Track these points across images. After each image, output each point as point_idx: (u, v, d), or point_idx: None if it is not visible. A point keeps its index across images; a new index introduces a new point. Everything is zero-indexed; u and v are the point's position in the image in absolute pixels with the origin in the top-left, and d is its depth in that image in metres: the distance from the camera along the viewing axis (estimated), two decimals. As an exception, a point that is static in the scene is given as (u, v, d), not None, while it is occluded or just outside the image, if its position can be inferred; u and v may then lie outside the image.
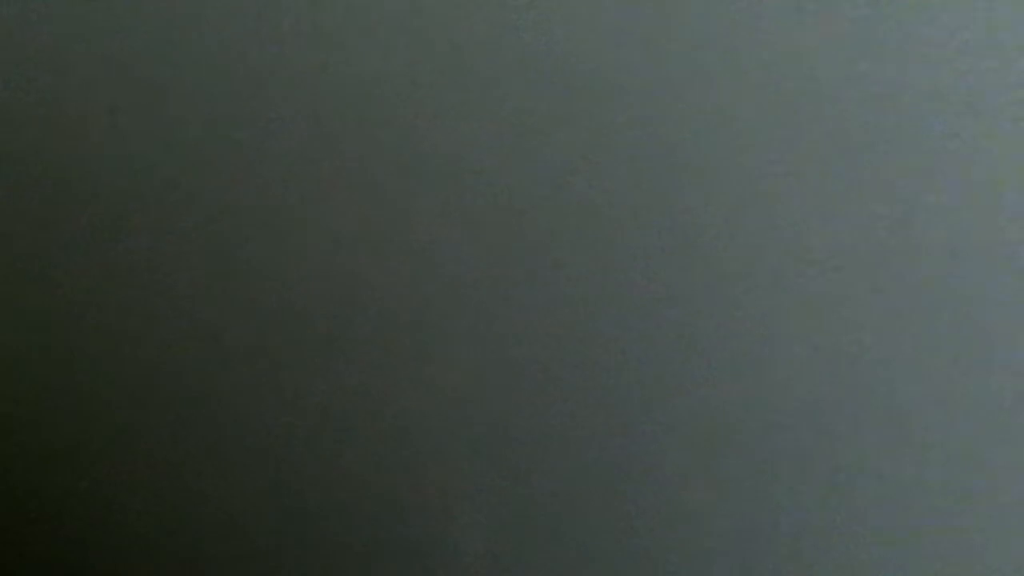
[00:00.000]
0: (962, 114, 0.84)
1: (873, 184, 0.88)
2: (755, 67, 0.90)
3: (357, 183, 1.10)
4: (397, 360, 1.14)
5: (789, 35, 0.88)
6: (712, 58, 0.91)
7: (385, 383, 1.15)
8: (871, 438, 0.94)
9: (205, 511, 1.32)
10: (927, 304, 0.89)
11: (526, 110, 1.00)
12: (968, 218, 0.86)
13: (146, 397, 1.30)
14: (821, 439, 0.96)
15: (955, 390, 0.89)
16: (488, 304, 1.08)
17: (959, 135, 0.84)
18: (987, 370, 0.88)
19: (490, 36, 1.00)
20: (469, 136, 1.03)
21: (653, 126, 0.95)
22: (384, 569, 1.22)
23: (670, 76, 0.93)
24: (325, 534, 1.25)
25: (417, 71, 1.04)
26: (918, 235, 0.88)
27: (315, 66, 1.08)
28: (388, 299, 1.13)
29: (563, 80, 0.98)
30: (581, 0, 0.95)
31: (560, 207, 1.01)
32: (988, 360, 0.88)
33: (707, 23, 0.91)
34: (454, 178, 1.05)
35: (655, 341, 1.01)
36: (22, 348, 1.38)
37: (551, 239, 1.03)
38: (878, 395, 0.93)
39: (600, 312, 1.02)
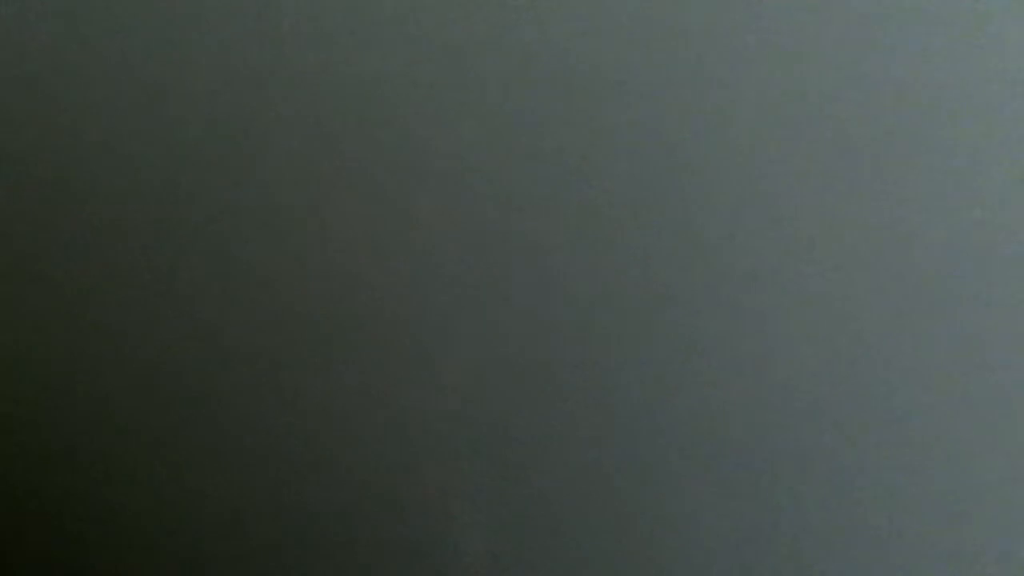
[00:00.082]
0: (962, 114, 0.84)
1: (873, 184, 0.88)
2: (755, 67, 0.90)
3: (357, 183, 1.10)
4: (397, 360, 1.14)
5: (789, 35, 0.88)
6: (712, 58, 0.91)
7: (385, 383, 1.15)
8: (871, 438, 0.94)
9: (205, 511, 1.32)
10: (927, 304, 0.89)
11: (526, 110, 1.00)
12: (969, 218, 0.86)
13: (146, 397, 1.30)
14: (821, 439, 0.96)
15: (955, 390, 0.89)
16: (488, 304, 1.08)
17: (960, 135, 0.84)
18: (987, 370, 0.88)
19: (490, 36, 1.00)
20: (469, 136, 1.03)
21: (653, 126, 0.95)
22: (384, 569, 1.22)
23: (670, 76, 0.93)
24: (325, 534, 1.25)
25: (417, 71, 1.04)
26: (919, 235, 0.88)
27: (315, 66, 1.08)
28: (388, 299, 1.13)
29: (563, 80, 0.98)
30: (581, 0, 0.95)
31: (560, 207, 1.01)
32: (988, 360, 0.88)
33: (707, 23, 0.91)
34: (454, 178, 1.05)
35: (655, 341, 1.01)
36: (22, 348, 1.38)
37: (551, 239, 1.03)
38: (878, 395, 0.93)
39: (600, 312, 1.02)
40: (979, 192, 0.85)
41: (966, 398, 0.89)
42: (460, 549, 1.17)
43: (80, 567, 1.42)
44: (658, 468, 1.04)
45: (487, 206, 1.05)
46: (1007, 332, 0.86)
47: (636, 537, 1.07)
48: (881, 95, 0.86)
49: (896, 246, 0.89)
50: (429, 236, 1.08)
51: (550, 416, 1.08)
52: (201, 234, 1.20)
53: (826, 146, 0.89)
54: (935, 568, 0.94)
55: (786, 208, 0.92)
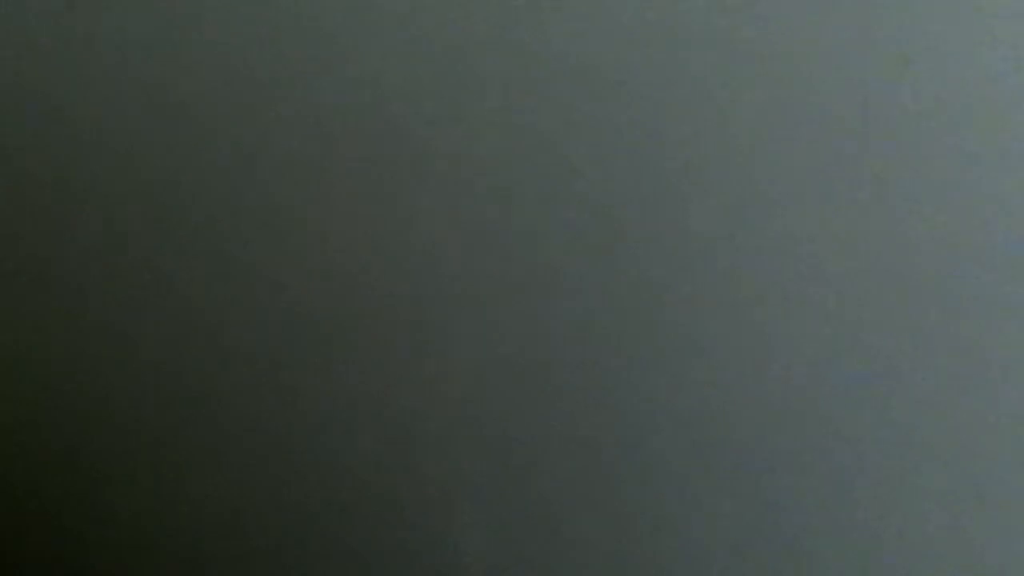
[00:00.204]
0: (963, 114, 0.84)
1: (874, 184, 0.88)
2: (755, 67, 0.90)
3: (357, 183, 1.10)
4: (397, 360, 1.14)
5: (790, 35, 0.88)
6: (712, 58, 0.91)
7: (385, 383, 1.15)
8: (871, 438, 0.94)
9: (205, 511, 1.32)
10: (927, 304, 0.89)
11: (526, 110, 1.00)
12: (969, 218, 0.86)
13: (146, 397, 1.30)
14: (821, 439, 0.96)
15: (955, 390, 0.89)
16: (488, 304, 1.08)
17: (960, 135, 0.84)
18: (987, 370, 0.88)
19: (490, 36, 1.00)
20: (469, 136, 1.03)
21: (653, 126, 0.95)
22: (384, 569, 1.22)
23: (670, 76, 0.93)
24: (325, 534, 1.25)
25: (417, 71, 1.04)
26: (919, 235, 0.88)
27: (315, 66, 1.08)
28: (388, 299, 1.13)
29: (563, 80, 0.98)
30: (582, 0, 0.95)
31: (560, 207, 1.01)
32: (988, 360, 0.88)
33: (708, 23, 0.91)
34: (454, 178, 1.05)
35: (656, 341, 1.01)
36: (22, 348, 1.38)
37: (551, 239, 1.03)
38: (878, 395, 0.92)
39: (601, 312, 1.02)
40: (979, 192, 0.85)
41: (966, 398, 0.89)
42: (460, 549, 1.17)
43: (80, 567, 1.42)
44: (658, 468, 1.04)
45: (487, 206, 1.05)
46: (1007, 332, 0.86)
47: (636, 537, 1.07)
48: (881, 95, 0.86)
49: (896, 246, 0.89)
50: (429, 236, 1.08)
51: (550, 416, 1.08)
52: (201, 234, 1.20)
53: (826, 146, 0.89)
54: (935, 568, 0.94)
55: (786, 208, 0.92)
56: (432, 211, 1.07)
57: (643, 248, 0.99)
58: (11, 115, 1.28)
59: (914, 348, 0.90)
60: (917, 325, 0.89)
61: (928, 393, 0.90)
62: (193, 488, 1.31)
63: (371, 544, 1.22)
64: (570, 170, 1.00)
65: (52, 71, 1.23)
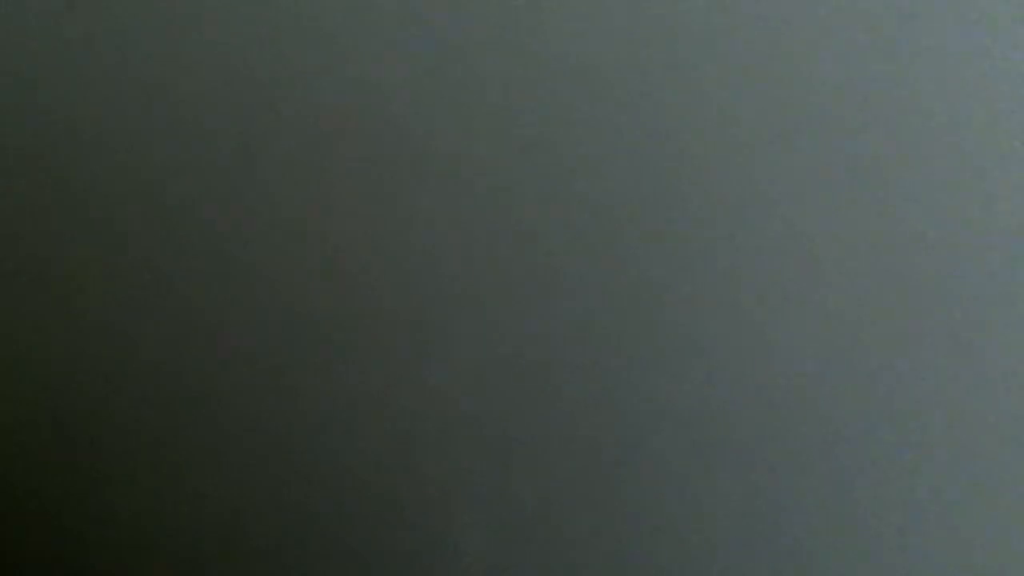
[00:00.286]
0: (963, 114, 0.84)
1: (874, 184, 0.88)
2: (755, 67, 0.90)
3: (357, 183, 1.10)
4: (397, 360, 1.14)
5: (790, 35, 0.88)
6: (712, 58, 0.91)
7: (385, 383, 1.15)
8: (871, 438, 0.94)
9: (205, 511, 1.32)
10: (927, 304, 0.89)
11: (526, 110, 1.00)
12: (969, 218, 0.86)
13: (146, 397, 1.30)
14: (821, 439, 0.96)
15: (955, 390, 0.89)
16: (488, 304, 1.08)
17: (960, 135, 0.84)
18: (987, 370, 0.88)
19: (490, 36, 1.00)
20: (469, 136, 1.03)
21: (653, 126, 0.95)
22: (384, 569, 1.22)
23: (670, 76, 0.93)
24: (325, 534, 1.25)
25: (417, 71, 1.04)
26: (919, 235, 0.88)
27: (315, 66, 1.08)
28: (388, 299, 1.13)
29: (563, 80, 0.98)
30: (582, 1, 0.95)
31: (560, 207, 1.01)
32: (989, 360, 0.88)
33: (708, 23, 0.91)
34: (454, 178, 1.05)
35: (655, 341, 1.01)
36: (22, 348, 1.38)
37: (551, 239, 1.03)
38: (878, 395, 0.93)
39: (600, 312, 1.02)
40: (979, 192, 0.85)
41: (966, 398, 0.89)
42: (460, 549, 1.17)
43: (80, 567, 1.42)
44: (658, 468, 1.04)
45: (487, 206, 1.05)
46: (1007, 332, 0.86)
47: (636, 537, 1.07)
48: (881, 95, 0.86)
49: (896, 246, 0.89)
50: (429, 236, 1.08)
51: (550, 416, 1.08)
52: (201, 234, 1.20)
53: (826, 146, 0.89)
54: (935, 568, 0.94)
55: (787, 208, 0.92)
56: (432, 211, 1.07)
57: (643, 248, 0.99)
58: (11, 115, 1.28)
59: (914, 348, 0.90)
60: (917, 325, 0.89)
61: (928, 393, 0.90)
62: (193, 488, 1.31)
63: (371, 544, 1.22)
64: (570, 170, 1.00)
65: (52, 71, 1.23)
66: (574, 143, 0.99)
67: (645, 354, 1.02)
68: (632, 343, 1.02)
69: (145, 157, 1.21)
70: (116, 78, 1.19)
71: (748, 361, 0.97)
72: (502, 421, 1.10)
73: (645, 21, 0.93)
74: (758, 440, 0.98)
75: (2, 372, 1.41)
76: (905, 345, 0.90)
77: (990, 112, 0.83)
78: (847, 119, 0.88)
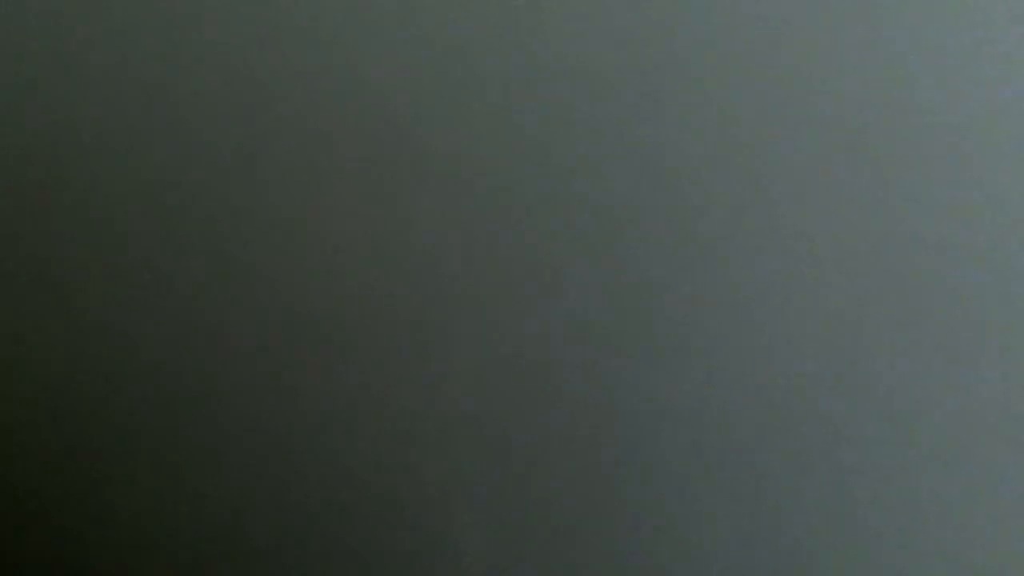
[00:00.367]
0: (963, 114, 0.84)
1: (874, 184, 0.88)
2: (756, 67, 0.90)
3: (357, 183, 1.10)
4: (397, 360, 1.14)
5: (790, 35, 0.88)
6: (712, 58, 0.91)
7: (385, 383, 1.15)
8: (871, 439, 0.94)
9: (205, 511, 1.31)
10: (927, 304, 0.89)
11: (526, 110, 1.00)
12: (970, 218, 0.86)
13: (146, 397, 1.30)
14: (822, 440, 0.96)
15: (956, 390, 0.89)
16: (488, 304, 1.08)
17: (960, 135, 0.84)
18: (987, 370, 0.88)
19: (490, 36, 1.00)
20: (469, 136, 1.03)
21: (653, 126, 0.95)
22: (384, 569, 1.22)
23: (671, 76, 0.93)
24: (325, 534, 1.25)
25: (417, 71, 1.04)
26: (920, 235, 0.88)
27: (315, 66, 1.08)
28: (388, 299, 1.13)
29: (563, 80, 0.98)
30: (582, 1, 0.95)
31: (560, 207, 1.01)
32: (989, 360, 0.88)
33: (708, 23, 0.91)
34: (454, 178, 1.05)
35: (656, 342, 1.01)
36: (22, 348, 1.38)
37: (551, 239, 1.03)
38: (879, 395, 0.92)
39: (600, 312, 1.02)
40: (979, 192, 0.85)
41: (966, 398, 0.89)
42: (460, 549, 1.17)
43: (80, 567, 1.42)
44: (659, 469, 1.04)
45: (487, 206, 1.05)
46: (1007, 332, 0.86)
47: (636, 537, 1.07)
48: (881, 95, 0.86)
49: (896, 246, 0.89)
50: (429, 236, 1.08)
51: (550, 416, 1.08)
52: (201, 234, 1.20)
53: (826, 146, 0.89)
54: (935, 568, 0.94)
55: (787, 208, 0.92)
56: (432, 211, 1.07)
57: (643, 248, 0.99)
58: (11, 115, 1.28)
59: (914, 348, 0.90)
60: (917, 325, 0.89)
61: (928, 393, 0.90)
62: (193, 488, 1.31)
63: (371, 544, 1.22)
64: (569, 170, 1.00)
65: (52, 71, 1.23)
66: (574, 143, 0.99)
67: (645, 354, 1.01)
68: (632, 343, 1.02)
69: (145, 157, 1.21)
70: (116, 78, 1.19)
71: (748, 361, 0.97)
72: (502, 421, 1.10)
73: (645, 21, 0.93)
74: (758, 440, 0.98)
75: (2, 372, 1.41)
76: (905, 345, 0.90)
77: (990, 112, 0.83)
78: (847, 119, 0.88)
